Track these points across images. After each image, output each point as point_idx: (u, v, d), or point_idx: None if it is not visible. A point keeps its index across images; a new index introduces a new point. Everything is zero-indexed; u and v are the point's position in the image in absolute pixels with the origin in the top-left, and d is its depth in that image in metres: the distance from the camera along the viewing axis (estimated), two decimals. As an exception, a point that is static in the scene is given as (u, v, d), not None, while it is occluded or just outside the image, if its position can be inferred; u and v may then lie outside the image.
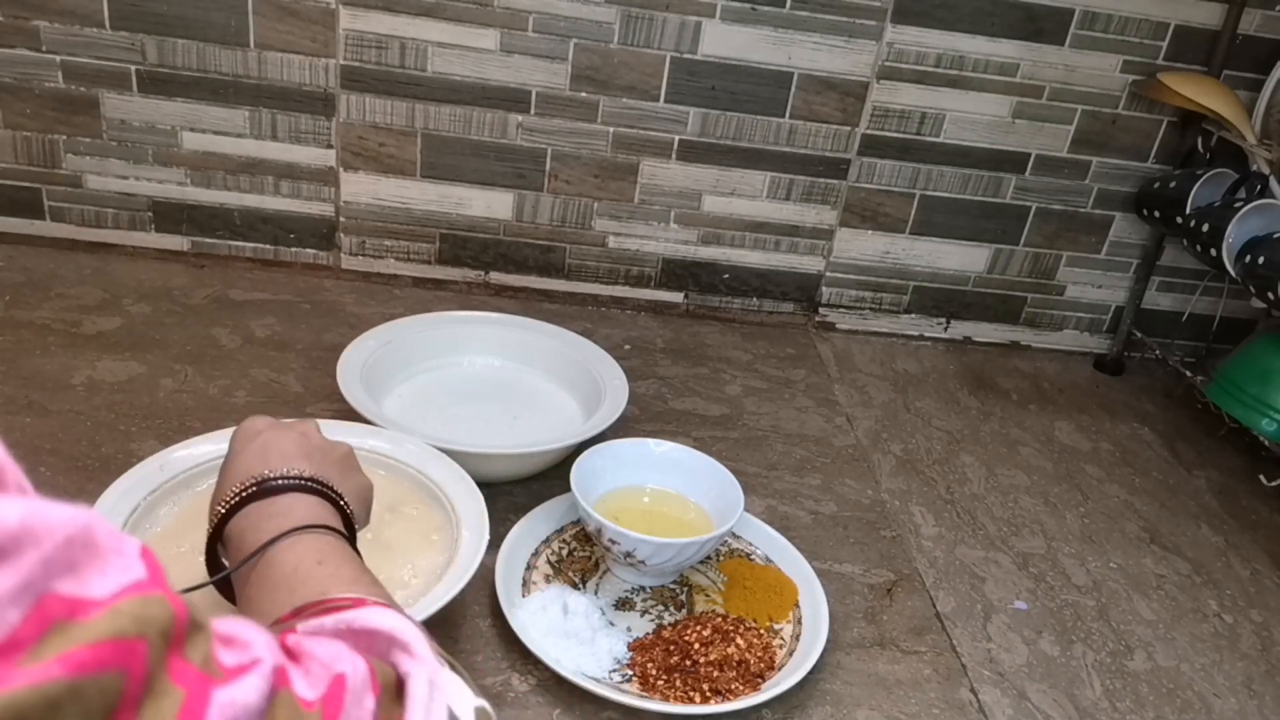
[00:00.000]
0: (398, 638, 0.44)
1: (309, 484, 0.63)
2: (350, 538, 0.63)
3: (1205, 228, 1.28)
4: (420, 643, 0.44)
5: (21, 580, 0.27)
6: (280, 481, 0.62)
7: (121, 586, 0.30)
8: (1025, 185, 1.44)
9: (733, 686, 0.80)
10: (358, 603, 0.50)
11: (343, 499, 0.64)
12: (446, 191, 1.37)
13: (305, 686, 0.38)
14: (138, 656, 0.30)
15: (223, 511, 0.62)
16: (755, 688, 0.81)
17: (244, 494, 0.62)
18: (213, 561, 0.64)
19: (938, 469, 1.20)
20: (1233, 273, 1.26)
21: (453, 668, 0.46)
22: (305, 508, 0.61)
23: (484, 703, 0.45)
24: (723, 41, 1.31)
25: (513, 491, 0.99)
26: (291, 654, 0.40)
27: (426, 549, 0.84)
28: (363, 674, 0.40)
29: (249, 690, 0.34)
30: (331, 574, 0.55)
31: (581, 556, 0.93)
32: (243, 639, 0.36)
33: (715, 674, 0.80)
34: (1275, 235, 1.22)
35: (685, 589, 0.92)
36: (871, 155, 1.40)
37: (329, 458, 0.68)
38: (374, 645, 0.44)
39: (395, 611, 0.48)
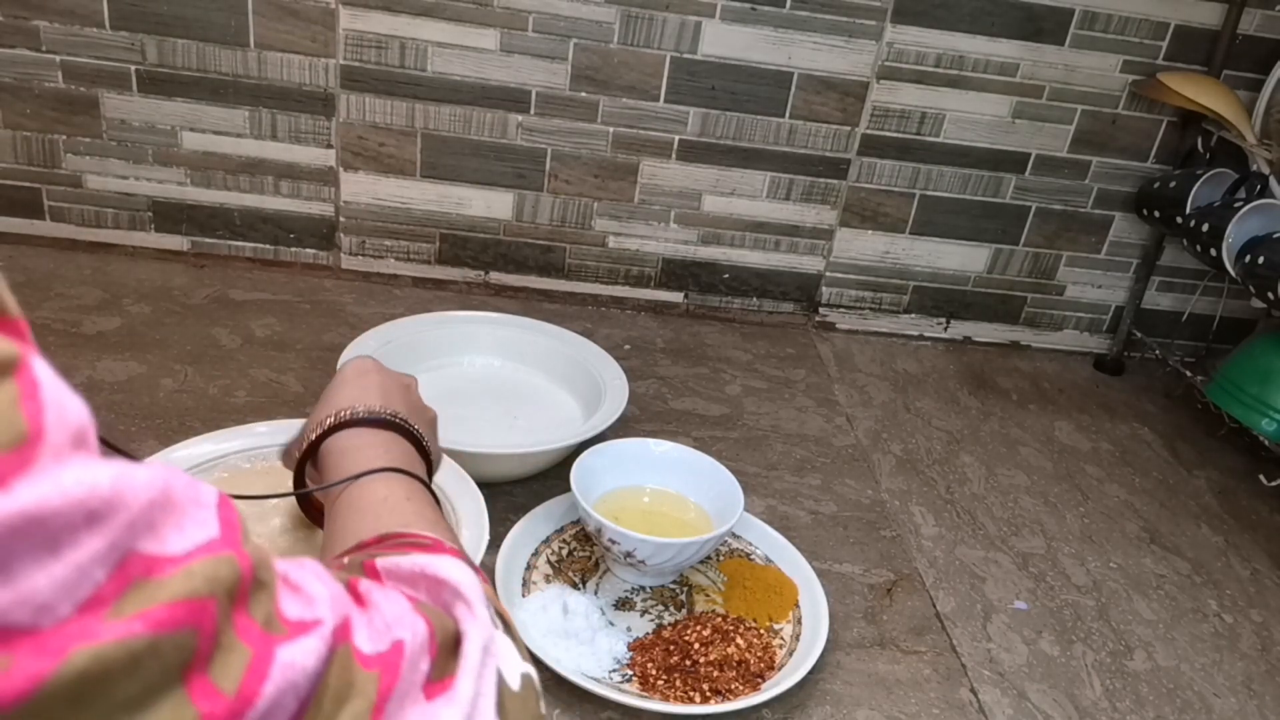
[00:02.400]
0: (463, 593, 0.46)
1: (407, 426, 0.66)
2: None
3: (1205, 228, 1.28)
4: (480, 603, 0.46)
5: (110, 542, 0.29)
6: (388, 417, 0.66)
7: (196, 545, 0.32)
8: (1025, 185, 1.44)
9: (733, 686, 0.80)
10: (436, 544, 0.51)
11: (429, 451, 0.68)
12: (446, 191, 1.37)
13: (366, 639, 0.39)
14: (208, 615, 0.31)
15: (330, 424, 0.64)
16: (755, 688, 0.81)
17: (353, 418, 0.64)
18: (300, 476, 0.67)
19: (938, 469, 1.20)
20: (1233, 273, 1.26)
21: (506, 628, 0.47)
22: (402, 449, 0.65)
23: (530, 669, 0.46)
24: (723, 41, 1.31)
25: (513, 491, 0.99)
26: (360, 599, 0.41)
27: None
28: (422, 637, 0.41)
29: (308, 652, 0.35)
30: (416, 511, 0.57)
31: (581, 556, 0.93)
32: (309, 591, 0.37)
33: (715, 674, 0.80)
34: (1275, 235, 1.22)
35: (685, 589, 0.92)
36: (871, 155, 1.40)
37: (423, 416, 0.71)
38: (441, 594, 0.46)
39: (465, 564, 0.49)
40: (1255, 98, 1.36)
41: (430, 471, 0.68)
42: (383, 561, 0.47)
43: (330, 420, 0.65)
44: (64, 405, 0.29)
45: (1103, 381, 1.50)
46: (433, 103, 1.31)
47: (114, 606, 0.29)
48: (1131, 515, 1.18)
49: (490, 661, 0.43)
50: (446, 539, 0.54)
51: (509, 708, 0.43)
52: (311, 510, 0.74)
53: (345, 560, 0.50)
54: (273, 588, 0.35)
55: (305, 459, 0.67)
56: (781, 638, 0.87)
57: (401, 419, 0.66)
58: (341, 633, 0.37)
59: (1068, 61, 1.36)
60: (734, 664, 0.82)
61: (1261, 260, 1.20)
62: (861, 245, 1.46)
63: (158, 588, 0.30)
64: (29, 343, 0.31)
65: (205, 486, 0.34)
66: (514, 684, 0.44)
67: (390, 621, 0.40)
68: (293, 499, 0.70)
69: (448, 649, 0.43)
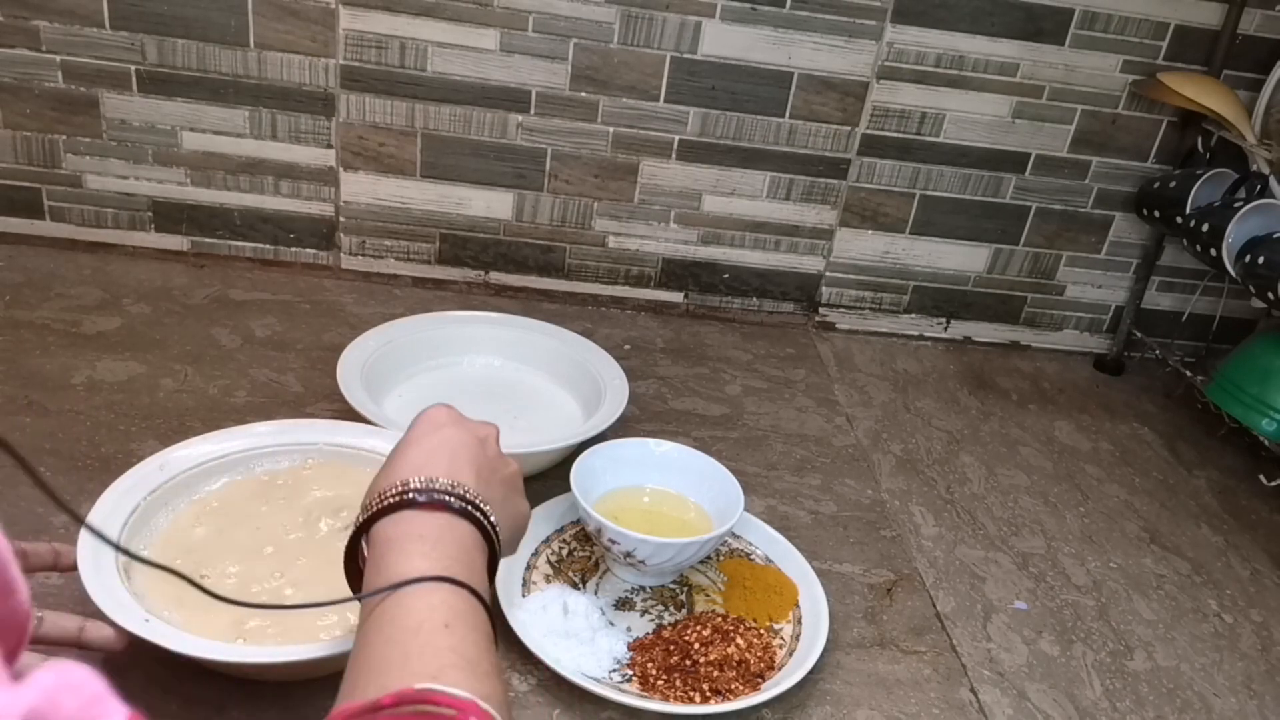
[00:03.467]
0: None
1: (470, 508, 0.59)
2: (491, 571, 0.60)
3: (1205, 228, 1.28)
4: None
5: None
6: (441, 496, 0.58)
7: None
8: (1025, 185, 1.44)
9: (733, 686, 0.80)
10: (462, 714, 0.46)
11: (495, 529, 0.60)
12: (446, 191, 1.37)
13: None
14: None
15: (376, 508, 0.58)
16: (755, 688, 0.81)
17: (401, 497, 0.58)
18: (353, 553, 0.61)
19: (938, 469, 1.20)
20: (1233, 273, 1.26)
21: None
22: (456, 540, 0.57)
23: None
24: (723, 41, 1.31)
25: (513, 491, 0.99)
26: None
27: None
28: None
29: None
30: (452, 647, 0.51)
31: (581, 556, 0.93)
32: None
33: (715, 674, 0.80)
34: (1275, 235, 1.22)
35: (685, 589, 0.92)
36: (871, 155, 1.40)
37: (496, 475, 0.64)
38: None
39: None
40: (1255, 98, 1.36)
41: (496, 552, 0.60)
42: None
43: (378, 501, 0.58)
44: None
45: (1103, 381, 1.50)
46: (433, 103, 1.31)
47: None
48: (1131, 515, 1.18)
49: None
50: (481, 694, 0.48)
51: None
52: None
53: None
54: None
55: (355, 543, 0.60)
56: (781, 638, 0.87)
57: (463, 495, 0.58)
58: None
59: (1068, 61, 1.36)
60: (734, 664, 0.82)
61: (1261, 260, 1.20)
62: (861, 245, 1.46)
63: None
64: None
65: (116, 704, 0.30)
66: None
67: None
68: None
69: None
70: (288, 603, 0.74)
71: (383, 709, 0.46)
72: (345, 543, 0.61)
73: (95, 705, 0.29)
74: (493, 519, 0.60)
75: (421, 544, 0.56)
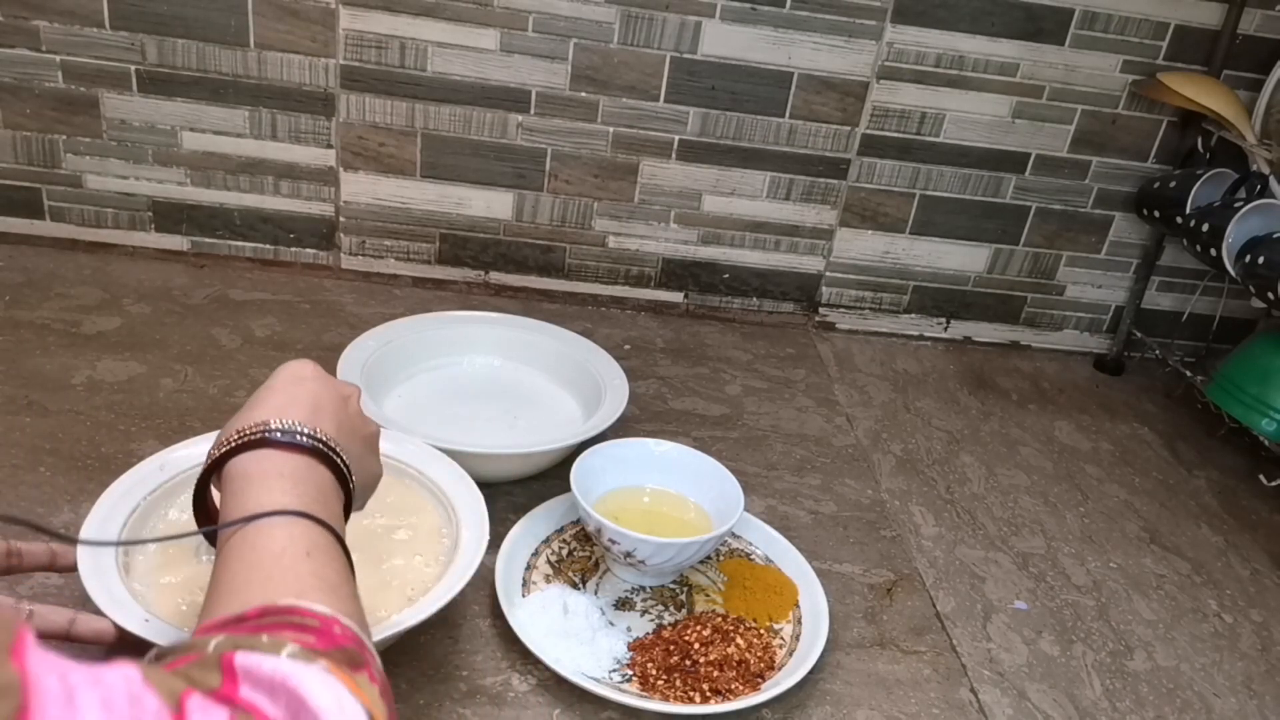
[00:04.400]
0: None
1: (328, 451, 0.60)
2: (343, 518, 0.61)
3: (1205, 228, 1.28)
4: None
5: None
6: (304, 439, 0.59)
7: None
8: (1025, 185, 1.44)
9: (733, 686, 0.80)
10: (325, 627, 0.47)
11: (352, 480, 0.62)
12: (446, 191, 1.37)
13: None
14: None
15: (235, 443, 0.58)
16: (755, 688, 0.81)
17: (265, 433, 0.58)
18: (202, 492, 0.62)
19: (938, 469, 1.20)
20: (1233, 273, 1.26)
21: None
22: (315, 480, 0.59)
23: None
24: (723, 41, 1.31)
25: (513, 491, 0.99)
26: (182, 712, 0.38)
27: (426, 549, 0.84)
28: None
29: None
30: (314, 571, 0.53)
31: (581, 556, 0.93)
32: None
33: (715, 674, 0.80)
34: (1275, 235, 1.22)
35: (685, 589, 0.92)
36: (871, 155, 1.40)
37: (356, 433, 0.65)
38: (299, 717, 0.41)
39: (342, 654, 0.45)
40: (1255, 98, 1.36)
41: (349, 502, 0.62)
42: (243, 659, 0.42)
43: (236, 437, 0.58)
44: None
45: (1103, 381, 1.50)
46: (433, 103, 1.31)
47: None
48: (1131, 515, 1.18)
49: None
50: (344, 612, 0.50)
51: None
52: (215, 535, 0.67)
53: (212, 644, 0.45)
54: None
55: (207, 477, 0.60)
56: (781, 638, 0.87)
57: (323, 440, 0.60)
58: None
59: (1068, 61, 1.36)
60: (734, 664, 0.82)
61: (1261, 260, 1.20)
62: (861, 245, 1.46)
63: None
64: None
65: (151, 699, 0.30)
66: None
67: None
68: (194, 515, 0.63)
69: None
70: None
71: (247, 620, 0.47)
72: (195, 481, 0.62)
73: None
74: (349, 463, 0.61)
75: (282, 481, 0.57)
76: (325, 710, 0.41)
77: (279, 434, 0.59)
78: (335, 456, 0.61)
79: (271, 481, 0.57)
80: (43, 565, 0.71)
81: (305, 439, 0.59)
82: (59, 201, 1.33)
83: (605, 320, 1.41)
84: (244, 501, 0.56)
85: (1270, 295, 1.18)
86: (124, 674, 0.36)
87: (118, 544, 0.72)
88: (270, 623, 0.47)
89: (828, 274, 1.47)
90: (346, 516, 0.62)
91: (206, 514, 0.63)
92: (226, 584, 0.52)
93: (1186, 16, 1.35)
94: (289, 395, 0.62)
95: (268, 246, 1.38)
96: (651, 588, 0.91)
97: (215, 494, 0.62)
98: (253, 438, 0.58)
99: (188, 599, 0.74)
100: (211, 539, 0.59)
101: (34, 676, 0.32)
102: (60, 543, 0.69)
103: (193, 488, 0.62)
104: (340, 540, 0.58)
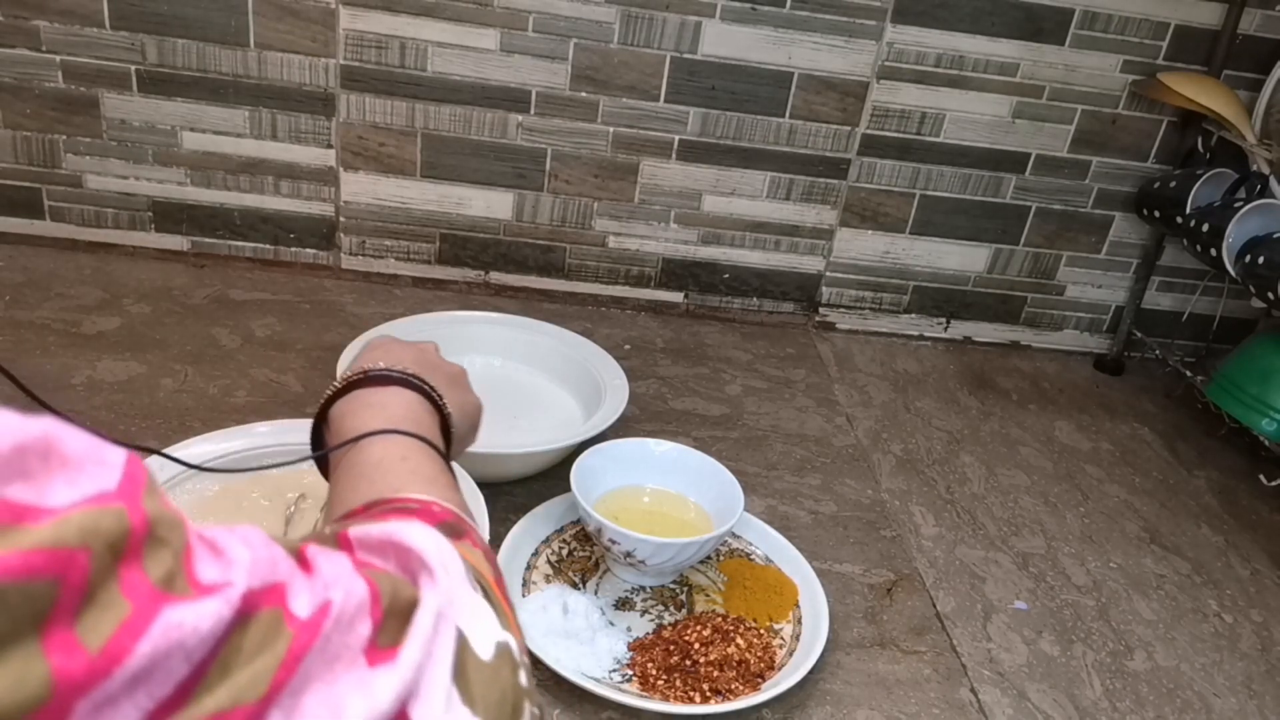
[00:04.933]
0: (427, 561, 0.44)
1: (411, 379, 0.66)
2: (447, 446, 0.66)
3: (1205, 228, 1.28)
4: (445, 568, 0.44)
5: None
6: (384, 372, 0.66)
7: (84, 496, 0.30)
8: (1025, 185, 1.44)
9: (733, 686, 0.80)
10: (424, 508, 0.51)
11: (442, 400, 0.67)
12: (446, 191, 1.37)
13: (305, 604, 0.37)
14: (77, 566, 0.29)
15: (329, 395, 0.66)
16: (755, 688, 0.81)
17: (349, 381, 0.65)
18: (317, 441, 0.68)
19: (938, 469, 1.20)
20: (1233, 273, 1.26)
21: (486, 595, 0.46)
22: (403, 403, 0.65)
23: (508, 637, 0.44)
24: (723, 41, 1.31)
25: (513, 491, 0.99)
26: (305, 565, 0.40)
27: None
28: (359, 598, 0.40)
29: (204, 615, 0.33)
30: (411, 470, 0.57)
31: (581, 556, 0.93)
32: (230, 555, 0.36)
33: (715, 674, 0.80)
34: (1275, 235, 1.22)
35: (685, 589, 0.92)
36: (871, 155, 1.40)
37: (440, 370, 0.71)
38: (409, 563, 0.45)
39: (437, 531, 0.48)
40: (1255, 98, 1.36)
41: (448, 427, 0.68)
42: (355, 531, 0.46)
43: (336, 385, 0.66)
44: None
45: (1103, 381, 1.50)
46: (433, 103, 1.31)
47: None
48: (1131, 515, 1.18)
49: (445, 628, 0.42)
50: (442, 497, 0.54)
51: (473, 677, 0.41)
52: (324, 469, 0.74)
53: (328, 530, 0.49)
54: (179, 547, 0.33)
55: (319, 422, 0.68)
56: (781, 638, 0.87)
57: (406, 373, 0.67)
58: (266, 596, 0.36)
59: (1068, 61, 1.36)
60: (734, 664, 0.82)
61: (1261, 260, 1.20)
62: (861, 245, 1.46)
63: (20, 535, 0.28)
64: None
65: (112, 448, 0.33)
66: (484, 653, 0.43)
67: (328, 581, 0.39)
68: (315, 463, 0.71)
69: (399, 615, 0.41)
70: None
71: (355, 515, 0.52)
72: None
73: (96, 447, 0.32)
74: (435, 388, 0.68)
75: (370, 410, 0.63)
76: (426, 550, 0.45)
77: (360, 376, 0.66)
78: (420, 382, 0.67)
79: (363, 412, 0.63)
80: None
81: (394, 374, 0.66)
82: (59, 201, 1.33)
83: (605, 320, 1.41)
84: (344, 430, 0.62)
85: (1270, 295, 1.18)
86: (248, 530, 0.39)
87: (209, 469, 0.76)
88: (377, 512, 0.51)
89: (828, 274, 1.47)
90: (448, 442, 0.67)
91: (326, 463, 0.69)
92: (336, 497, 0.57)
93: (1186, 16, 1.35)
94: (376, 353, 0.70)
95: (268, 246, 1.38)
96: (651, 588, 0.91)
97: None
98: (352, 381, 0.66)
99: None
100: (321, 466, 0.66)
101: (180, 514, 0.35)
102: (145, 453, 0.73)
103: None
104: (434, 446, 0.63)
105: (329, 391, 0.66)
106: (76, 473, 0.31)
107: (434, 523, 0.50)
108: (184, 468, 0.85)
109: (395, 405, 0.64)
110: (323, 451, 0.64)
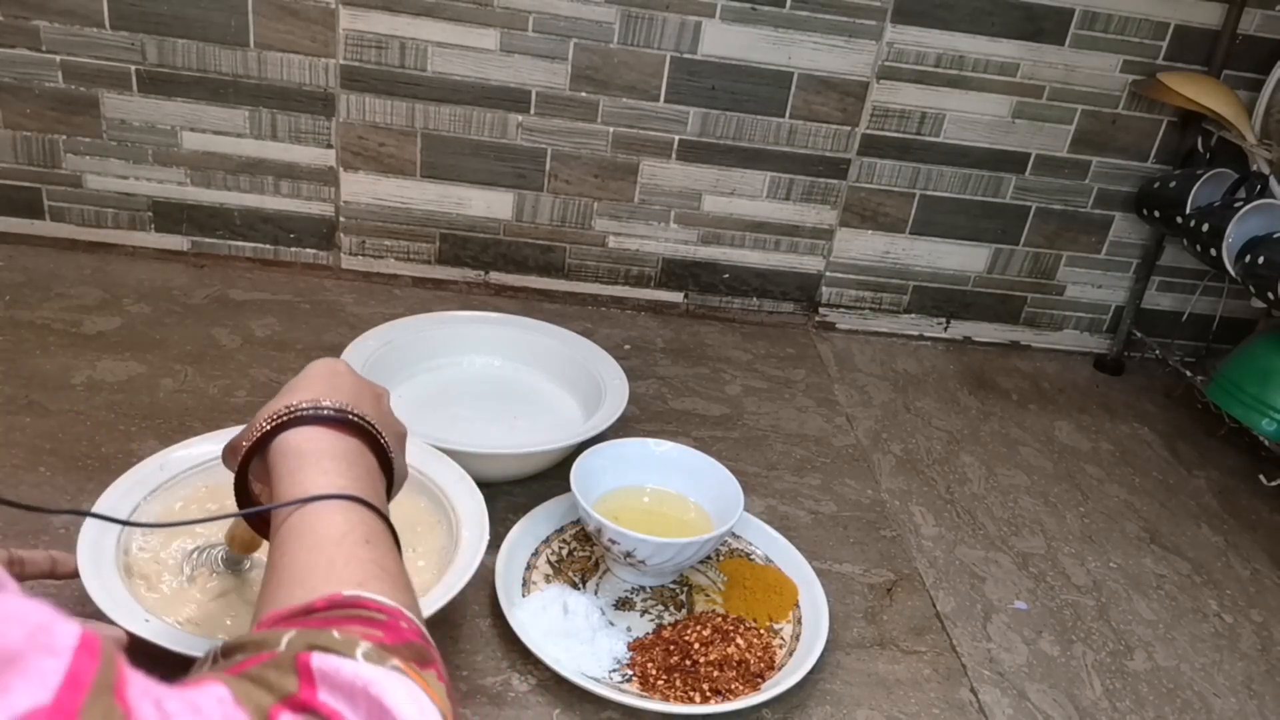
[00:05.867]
0: None
1: (378, 435, 0.59)
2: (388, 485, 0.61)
3: (1205, 228, 1.28)
4: None
5: None
6: (355, 418, 0.58)
7: (12, 717, 0.28)
8: (1025, 185, 1.44)
9: (733, 686, 0.80)
10: (393, 621, 0.47)
11: (391, 454, 0.62)
12: (446, 191, 1.37)
13: None
14: None
15: (286, 418, 0.57)
16: (755, 688, 0.81)
17: (316, 410, 0.57)
18: (244, 475, 0.60)
19: (938, 469, 1.20)
20: (1233, 273, 1.26)
21: None
22: (366, 466, 0.58)
23: None
24: (723, 41, 1.31)
25: (513, 491, 0.99)
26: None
27: (426, 548, 0.84)
28: None
29: None
30: (375, 561, 0.51)
31: (581, 556, 0.93)
32: None
33: (715, 674, 0.80)
34: (1275, 235, 1.22)
35: (685, 589, 0.92)
36: (871, 155, 1.40)
37: (390, 429, 0.64)
38: None
39: (409, 649, 0.44)
40: (1255, 98, 1.36)
41: (390, 492, 0.62)
42: (319, 661, 0.42)
43: (286, 412, 0.57)
44: None
45: (1103, 381, 1.50)
46: (433, 103, 1.31)
47: None
48: (1131, 515, 1.18)
49: None
50: (405, 605, 0.49)
51: None
52: (256, 518, 0.63)
53: (282, 644, 0.43)
54: None
55: (252, 455, 0.58)
56: (781, 638, 0.87)
57: (372, 424, 0.59)
58: None
59: (1068, 61, 1.36)
60: (734, 664, 0.82)
61: (1261, 260, 1.20)
62: (861, 245, 1.46)
63: None
64: None
65: (64, 628, 0.30)
66: None
67: None
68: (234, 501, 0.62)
69: None
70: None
71: (315, 612, 0.46)
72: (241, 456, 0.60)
73: (42, 633, 0.29)
74: (392, 457, 0.61)
75: (336, 462, 0.56)
76: (408, 718, 0.41)
77: (331, 412, 0.58)
78: (382, 442, 0.60)
79: (326, 462, 0.56)
80: (44, 573, 0.71)
81: (356, 418, 0.58)
82: (59, 201, 1.33)
83: (605, 320, 1.41)
84: (300, 480, 0.55)
85: (1270, 295, 1.18)
86: (215, 695, 0.36)
87: (163, 526, 0.72)
88: (338, 616, 0.46)
89: (828, 274, 1.47)
90: (389, 483, 0.63)
91: (246, 495, 0.61)
92: (288, 569, 0.51)
93: (1186, 16, 1.35)
94: (329, 384, 0.61)
95: (268, 246, 1.38)
96: (651, 588, 0.91)
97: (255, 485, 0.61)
98: (305, 413, 0.57)
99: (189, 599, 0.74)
100: (259, 521, 0.57)
101: (135, 709, 0.32)
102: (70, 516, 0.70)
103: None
104: (393, 529, 0.57)
105: (275, 419, 0.57)
106: (14, 676, 0.28)
107: (401, 642, 0.46)
108: (185, 468, 0.85)
109: (359, 465, 0.57)
110: (269, 507, 0.55)
